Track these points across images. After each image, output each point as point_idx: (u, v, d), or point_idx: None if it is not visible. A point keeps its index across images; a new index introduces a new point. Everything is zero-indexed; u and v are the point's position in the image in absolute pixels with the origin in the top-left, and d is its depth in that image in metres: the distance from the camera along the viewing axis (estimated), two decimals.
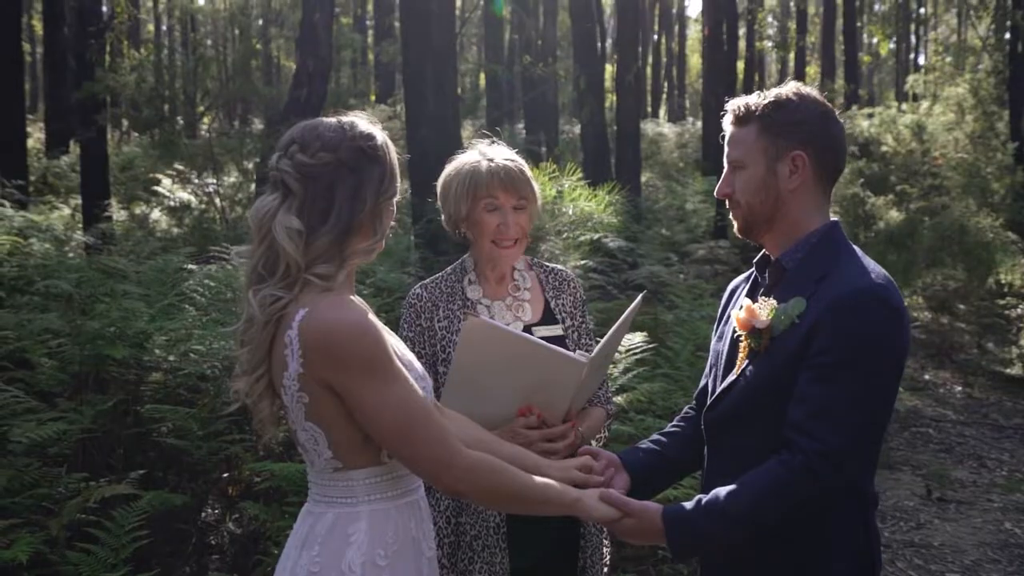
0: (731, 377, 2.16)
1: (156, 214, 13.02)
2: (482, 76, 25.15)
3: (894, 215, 13.57)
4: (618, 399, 5.15)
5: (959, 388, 9.33)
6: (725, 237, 14.57)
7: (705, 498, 2.04)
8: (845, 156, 2.22)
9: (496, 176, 2.61)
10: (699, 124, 25.27)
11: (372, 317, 1.93)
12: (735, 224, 2.23)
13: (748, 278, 2.32)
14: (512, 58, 24.54)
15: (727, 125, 2.20)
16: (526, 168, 2.70)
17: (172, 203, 12.61)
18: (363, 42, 36.08)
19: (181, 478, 5.13)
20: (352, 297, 1.98)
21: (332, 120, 2.01)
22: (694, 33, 40.94)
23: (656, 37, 40.29)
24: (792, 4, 33.37)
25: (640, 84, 16.18)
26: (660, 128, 30.08)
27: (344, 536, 1.94)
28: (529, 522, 2.44)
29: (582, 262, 9.84)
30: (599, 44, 17.96)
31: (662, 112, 40.06)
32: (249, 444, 4.88)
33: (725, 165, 2.21)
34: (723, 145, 2.23)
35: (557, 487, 2.05)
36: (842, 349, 1.96)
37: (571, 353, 2.37)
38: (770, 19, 37.82)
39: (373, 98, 25.18)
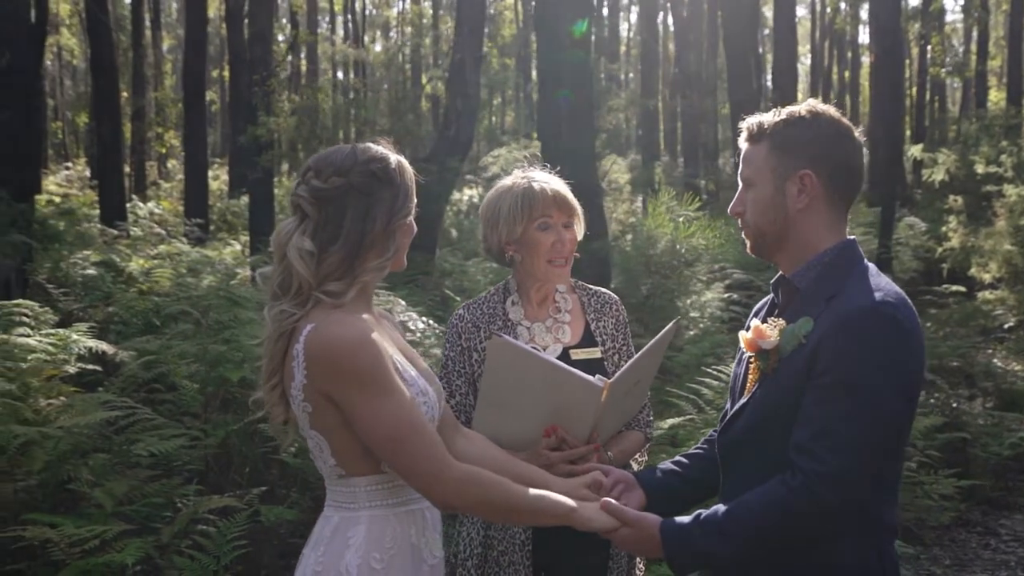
0: (742, 400, 2.13)
1: None
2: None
3: None
4: None
5: None
6: (888, 271, 13.96)
7: (705, 513, 2.02)
8: (862, 175, 2.15)
9: (548, 195, 2.66)
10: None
11: (375, 335, 2.02)
12: (747, 243, 2.21)
13: (768, 300, 2.29)
14: (675, 93, 24.47)
15: (742, 143, 2.18)
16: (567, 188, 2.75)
17: None
18: (526, 81, 36.86)
19: (303, 496, 5.38)
20: (364, 315, 2.08)
21: (347, 147, 2.14)
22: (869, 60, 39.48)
23: (827, 65, 39.16)
24: (975, 28, 31.70)
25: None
26: None
27: (344, 539, 2.05)
28: (556, 535, 2.41)
29: (725, 295, 9.68)
30: (755, 76, 17.69)
31: None
32: None
33: (739, 183, 2.19)
34: (739, 163, 2.21)
35: (552, 498, 2.07)
36: (843, 368, 1.91)
37: (589, 377, 2.37)
38: (953, 42, 36.06)
39: (535, 135, 25.59)
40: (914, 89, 29.86)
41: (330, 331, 1.98)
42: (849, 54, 40.12)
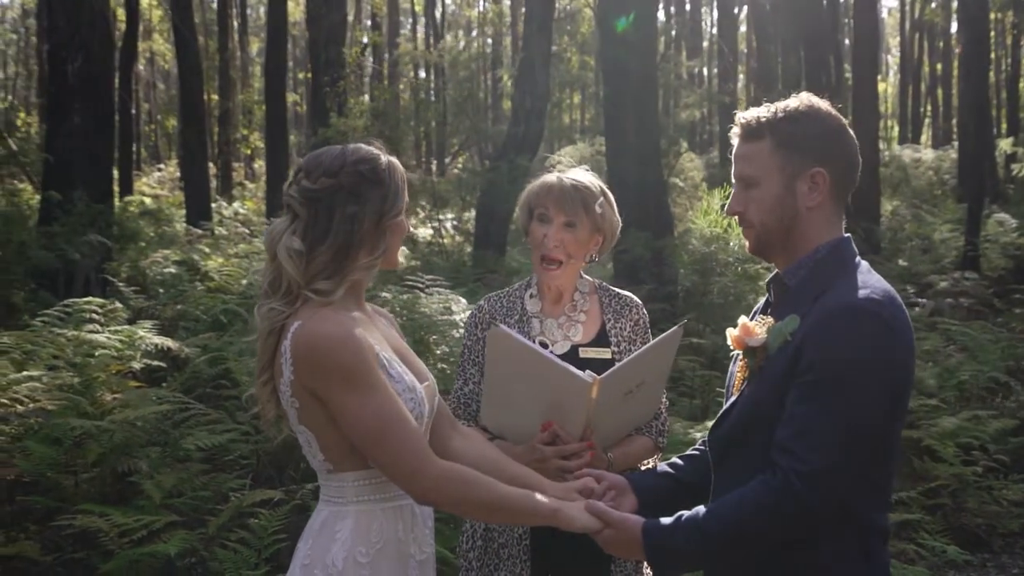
0: (732, 398, 2.10)
1: None
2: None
3: None
4: None
5: None
6: (975, 269, 13.50)
7: (686, 514, 1.99)
8: (859, 170, 2.10)
9: (549, 188, 2.64)
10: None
11: (359, 331, 2.04)
12: (747, 244, 2.16)
13: (765, 299, 2.24)
14: (757, 88, 24.04)
15: (736, 139, 2.12)
16: (592, 192, 2.64)
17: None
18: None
19: None
20: (355, 312, 2.11)
21: (337, 147, 2.18)
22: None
23: (916, 57, 38.01)
24: None
25: (871, 104, 15.30)
26: (918, 154, 28.25)
27: (332, 532, 2.07)
28: (554, 536, 2.35)
29: None
30: (834, 71, 17.28)
31: (924, 137, 37.67)
32: None
33: (734, 181, 2.14)
34: (731, 160, 2.16)
35: (535, 498, 2.07)
36: (825, 366, 1.86)
37: (578, 371, 2.36)
38: None
39: None
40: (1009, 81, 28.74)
41: (315, 328, 2.01)
42: (940, 44, 38.85)
